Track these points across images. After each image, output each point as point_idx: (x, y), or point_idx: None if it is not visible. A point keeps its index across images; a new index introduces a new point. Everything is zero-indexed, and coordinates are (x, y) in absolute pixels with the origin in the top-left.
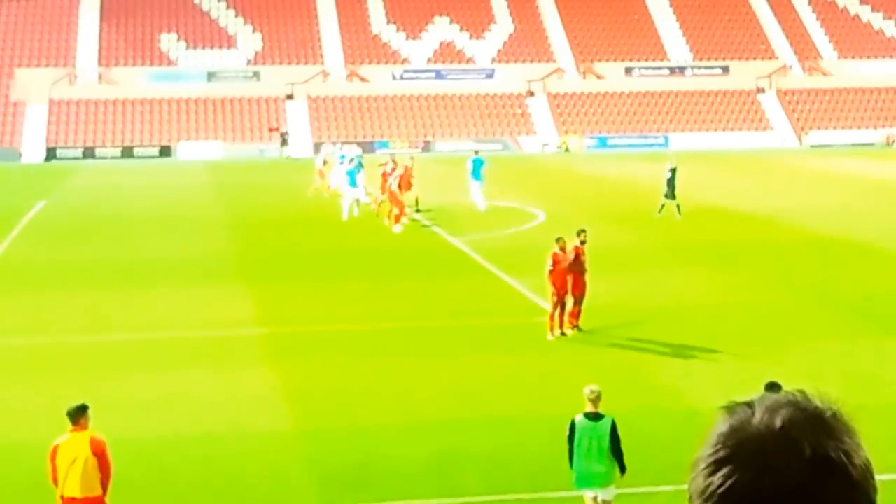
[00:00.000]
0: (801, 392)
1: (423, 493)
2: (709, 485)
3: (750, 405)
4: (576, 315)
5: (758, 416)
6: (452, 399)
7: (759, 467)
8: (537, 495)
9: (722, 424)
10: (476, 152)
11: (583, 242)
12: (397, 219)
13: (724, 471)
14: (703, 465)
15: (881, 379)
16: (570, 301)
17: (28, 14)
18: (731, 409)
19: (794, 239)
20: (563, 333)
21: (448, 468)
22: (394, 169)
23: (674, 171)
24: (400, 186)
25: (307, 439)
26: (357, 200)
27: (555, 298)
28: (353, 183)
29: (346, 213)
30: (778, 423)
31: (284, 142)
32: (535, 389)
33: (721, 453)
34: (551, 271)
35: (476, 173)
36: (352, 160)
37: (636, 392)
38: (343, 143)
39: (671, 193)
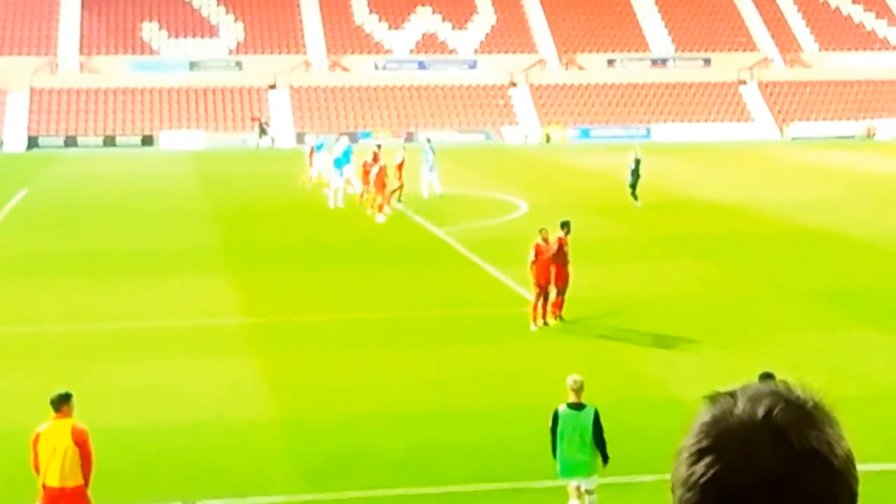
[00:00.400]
0: (784, 382)
1: (406, 482)
2: (691, 474)
3: (733, 395)
4: (559, 305)
5: (740, 406)
6: (435, 389)
7: (740, 457)
8: (520, 484)
9: (705, 414)
10: (428, 140)
11: (567, 234)
12: (380, 208)
13: (706, 460)
14: (685, 455)
15: (863, 370)
16: (553, 291)
17: (9, 2)
18: (713, 398)
19: (776, 231)
20: (545, 324)
21: (431, 458)
22: (375, 160)
23: (638, 161)
24: (379, 177)
25: (290, 429)
26: (337, 190)
27: (537, 289)
28: (339, 171)
29: (332, 202)
30: (760, 412)
31: (263, 132)
32: (518, 379)
33: (703, 443)
34: (534, 262)
35: (427, 161)
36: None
37: (619, 382)
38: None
39: (634, 182)
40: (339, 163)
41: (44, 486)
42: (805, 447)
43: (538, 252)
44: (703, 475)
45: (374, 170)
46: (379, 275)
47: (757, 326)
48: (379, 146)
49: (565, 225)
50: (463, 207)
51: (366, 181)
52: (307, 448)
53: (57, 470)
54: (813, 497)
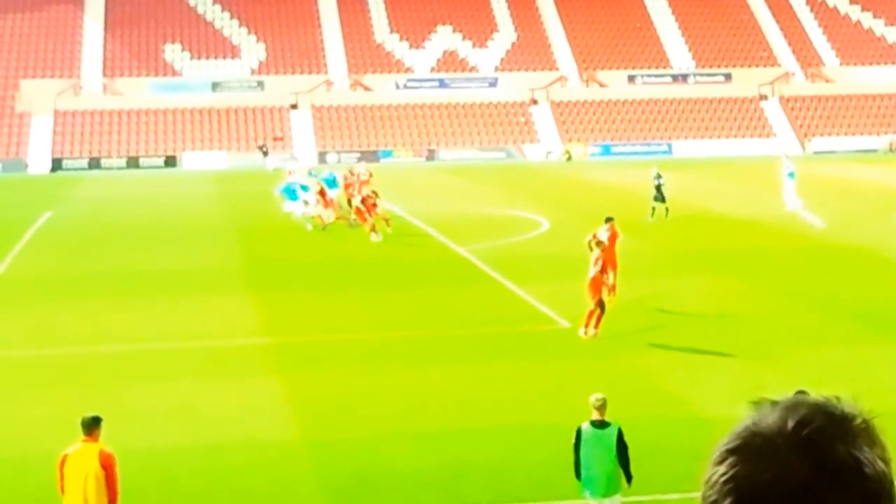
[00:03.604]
0: (835, 397)
1: (430, 501)
2: (714, 472)
3: (774, 403)
4: (613, 288)
5: (776, 414)
6: (458, 408)
7: (760, 461)
8: None
9: (743, 420)
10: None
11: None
12: (373, 227)
13: (730, 460)
14: (714, 454)
15: (888, 386)
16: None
17: (33, 26)
18: (756, 405)
19: (799, 246)
20: (595, 334)
21: (454, 478)
22: (353, 181)
23: (659, 177)
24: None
25: (314, 449)
26: (298, 213)
27: (597, 297)
28: (293, 197)
29: (309, 225)
30: (791, 422)
31: (265, 153)
32: (541, 398)
33: (731, 444)
34: (599, 268)
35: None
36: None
37: (642, 400)
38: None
39: (661, 197)
40: (288, 190)
41: None
42: (831, 460)
43: (613, 237)
44: (723, 474)
45: (356, 188)
46: (401, 293)
47: (781, 342)
48: (350, 169)
49: (609, 220)
50: (485, 225)
51: (347, 202)
52: (331, 468)
53: (82, 493)
54: None
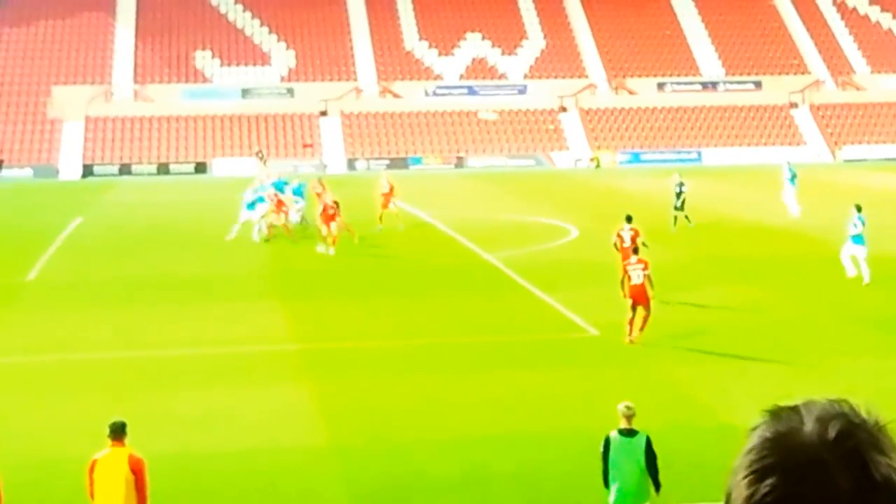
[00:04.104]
0: (847, 403)
1: None
2: (753, 492)
3: (797, 411)
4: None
5: (809, 426)
6: (486, 415)
7: (806, 478)
8: None
9: (766, 430)
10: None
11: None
12: (333, 241)
13: (771, 480)
14: (746, 472)
15: None
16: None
17: (64, 32)
18: (776, 414)
19: (829, 254)
20: (630, 341)
21: (481, 484)
22: (323, 191)
23: (681, 185)
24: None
25: (341, 455)
26: (247, 223)
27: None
28: (250, 206)
29: (256, 235)
30: (831, 434)
31: (262, 160)
32: (569, 405)
33: (768, 460)
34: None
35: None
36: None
37: (669, 408)
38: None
39: (681, 206)
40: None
41: None
42: (878, 473)
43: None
44: (766, 495)
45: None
46: (429, 300)
47: (809, 352)
48: (320, 179)
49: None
50: (513, 232)
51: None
52: (359, 474)
53: (112, 497)
54: None
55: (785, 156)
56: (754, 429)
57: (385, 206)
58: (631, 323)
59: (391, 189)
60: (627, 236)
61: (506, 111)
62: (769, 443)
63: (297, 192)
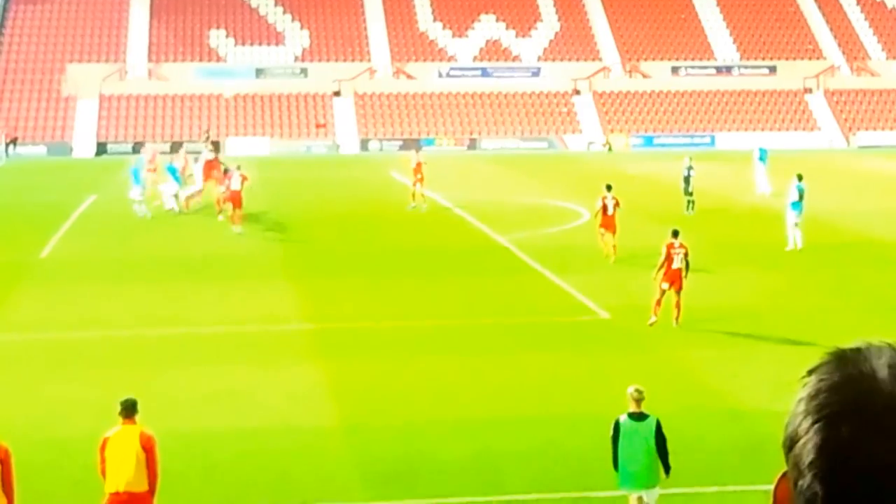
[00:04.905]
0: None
1: (467, 490)
2: (825, 438)
3: (864, 355)
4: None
5: (881, 371)
6: (497, 397)
7: (883, 424)
8: (581, 494)
9: (834, 373)
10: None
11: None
12: (235, 219)
13: (846, 426)
14: (817, 416)
15: None
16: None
17: (79, 10)
18: (842, 357)
19: (842, 241)
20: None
21: (492, 466)
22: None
23: (690, 168)
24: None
25: (352, 435)
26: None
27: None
28: (136, 181)
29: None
30: None
31: (208, 141)
32: (580, 388)
33: (840, 405)
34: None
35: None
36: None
37: (680, 392)
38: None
39: (688, 190)
40: (135, 172)
41: (109, 492)
42: None
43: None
44: (840, 440)
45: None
46: (441, 282)
47: (823, 338)
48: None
49: (608, 188)
50: (525, 215)
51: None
52: (369, 455)
53: (123, 475)
54: None
55: (759, 142)
56: (814, 370)
57: (415, 183)
58: (658, 304)
59: (418, 166)
60: (611, 204)
61: (519, 93)
62: (839, 386)
63: (171, 171)
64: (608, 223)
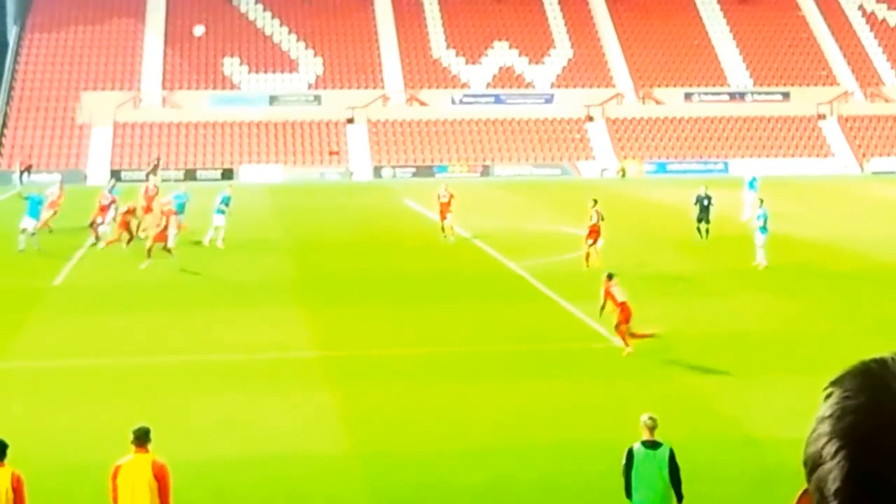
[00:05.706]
0: None
1: None
2: (855, 463)
3: (888, 367)
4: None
5: None
6: (509, 425)
7: None
8: None
9: (860, 391)
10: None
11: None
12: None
13: (876, 457)
14: (841, 442)
15: None
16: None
17: (93, 38)
18: (866, 372)
19: (856, 267)
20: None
21: (504, 494)
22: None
23: (709, 197)
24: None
25: (364, 463)
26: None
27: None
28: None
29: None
30: None
31: (154, 171)
32: (592, 416)
33: (870, 424)
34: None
35: (219, 209)
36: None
37: (693, 419)
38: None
39: (706, 217)
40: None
41: None
42: None
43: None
44: (875, 467)
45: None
46: (453, 308)
47: (835, 365)
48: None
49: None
50: (538, 241)
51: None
52: (382, 483)
53: (135, 503)
54: None
55: (753, 170)
56: (837, 382)
57: (443, 216)
58: (633, 335)
59: (450, 199)
60: (595, 216)
61: (532, 120)
62: (867, 408)
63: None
64: (592, 231)
